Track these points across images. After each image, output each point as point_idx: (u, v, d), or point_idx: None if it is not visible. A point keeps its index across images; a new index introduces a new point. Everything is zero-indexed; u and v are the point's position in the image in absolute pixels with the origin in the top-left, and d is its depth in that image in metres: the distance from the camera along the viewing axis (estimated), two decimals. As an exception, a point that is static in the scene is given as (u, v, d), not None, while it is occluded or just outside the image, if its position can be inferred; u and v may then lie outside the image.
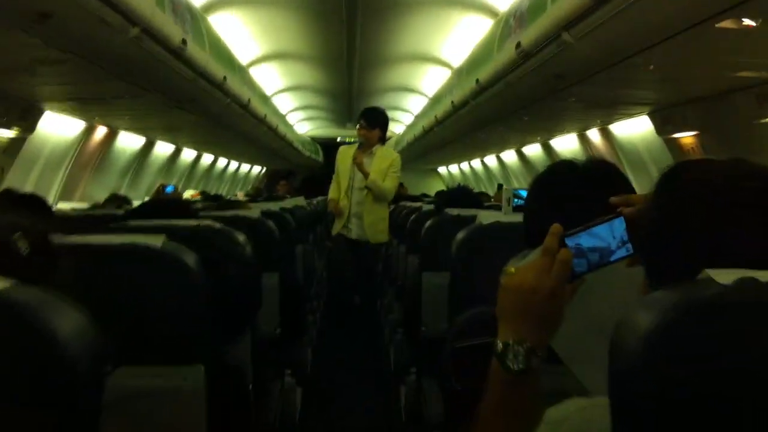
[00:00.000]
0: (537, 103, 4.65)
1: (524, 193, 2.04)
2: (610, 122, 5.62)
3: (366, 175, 4.30)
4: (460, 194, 3.44)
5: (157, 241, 1.41)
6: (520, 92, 4.31)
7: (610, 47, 3.03)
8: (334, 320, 5.05)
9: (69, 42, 2.79)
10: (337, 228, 4.53)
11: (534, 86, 4.05)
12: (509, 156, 9.96)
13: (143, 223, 1.95)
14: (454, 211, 2.64)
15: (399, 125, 13.74)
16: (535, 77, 3.78)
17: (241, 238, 2.01)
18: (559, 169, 1.25)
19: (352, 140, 4.44)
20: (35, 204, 2.18)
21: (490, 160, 11.44)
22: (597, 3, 2.63)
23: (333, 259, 4.95)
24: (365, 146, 4.40)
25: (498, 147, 9.64)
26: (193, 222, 1.97)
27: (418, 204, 4.72)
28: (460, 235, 1.84)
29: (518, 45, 3.51)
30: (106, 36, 2.69)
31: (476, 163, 12.83)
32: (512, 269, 0.88)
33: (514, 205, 2.03)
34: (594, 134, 6.26)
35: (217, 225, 1.99)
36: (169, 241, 1.44)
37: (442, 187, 14.85)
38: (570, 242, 0.85)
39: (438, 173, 17.02)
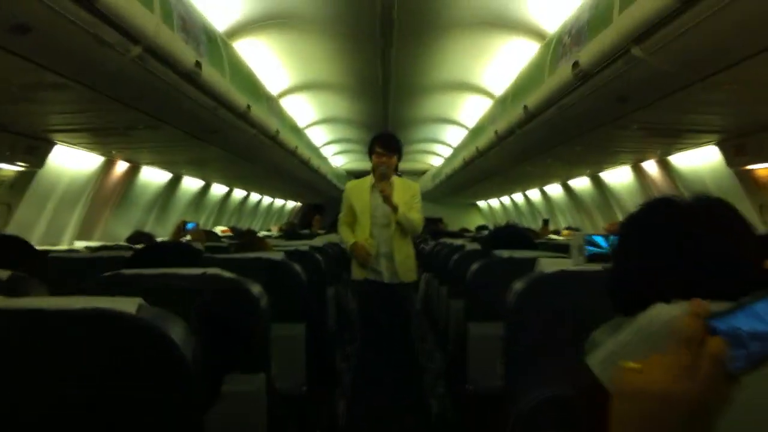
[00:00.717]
0: (592, 131, 4.26)
1: (599, 239, 1.71)
2: (671, 153, 5.16)
3: (395, 208, 3.76)
4: (508, 233, 3.05)
5: (130, 306, 1.06)
6: (574, 118, 3.95)
7: (688, 63, 2.67)
8: (369, 367, 4.65)
9: (59, 62, 2.50)
10: (363, 273, 3.90)
11: (591, 111, 3.69)
12: (554, 189, 9.54)
13: (139, 272, 1.66)
14: (504, 253, 2.43)
15: (436, 158, 13.44)
16: (593, 101, 3.43)
17: (255, 289, 1.69)
18: (653, 206, 0.92)
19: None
20: (14, 246, 1.90)
21: (533, 193, 11.02)
22: (675, 11, 2.28)
23: (362, 308, 4.39)
24: (385, 176, 3.76)
25: (542, 180, 9.23)
26: (197, 271, 1.66)
27: (459, 241, 4.41)
28: (518, 285, 1.56)
29: (575, 65, 3.16)
30: (102, 55, 2.40)
31: (517, 196, 12.39)
32: (634, 365, 0.63)
33: (587, 254, 1.67)
34: (650, 166, 5.81)
35: (226, 274, 1.67)
36: (148, 305, 1.09)
37: (481, 221, 14.53)
38: (720, 325, 0.61)
39: (477, 207, 16.69)
